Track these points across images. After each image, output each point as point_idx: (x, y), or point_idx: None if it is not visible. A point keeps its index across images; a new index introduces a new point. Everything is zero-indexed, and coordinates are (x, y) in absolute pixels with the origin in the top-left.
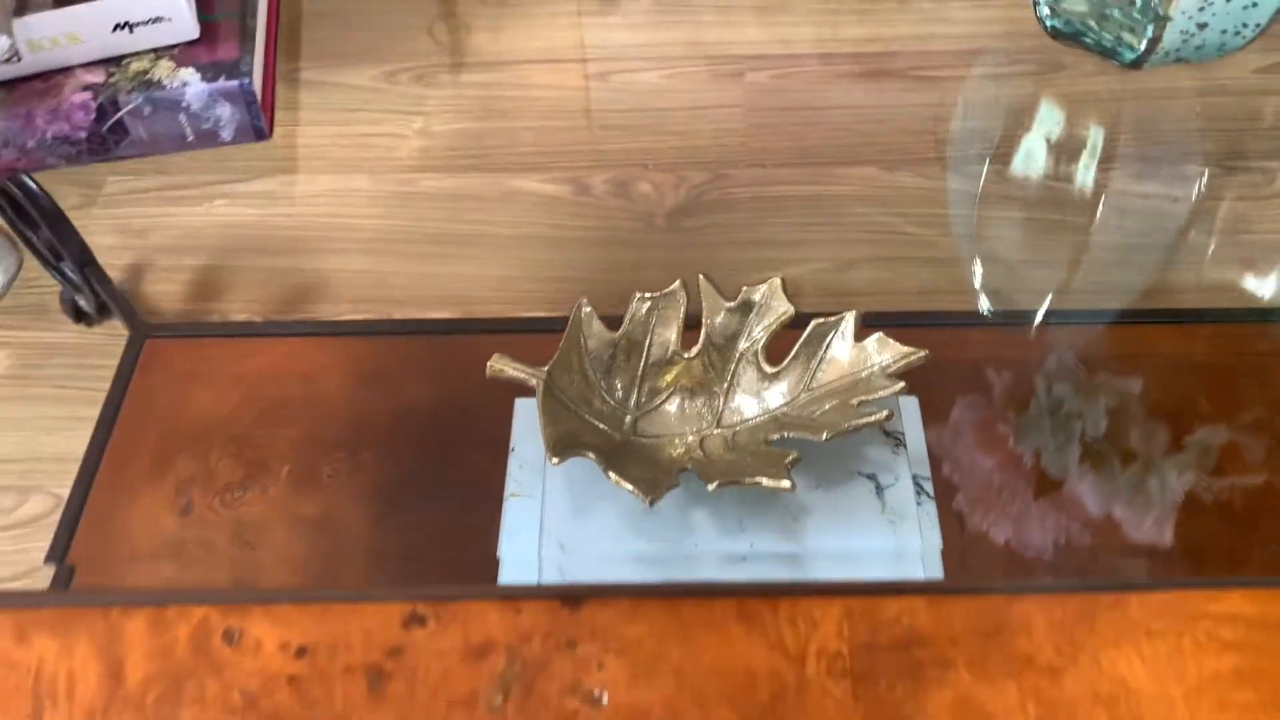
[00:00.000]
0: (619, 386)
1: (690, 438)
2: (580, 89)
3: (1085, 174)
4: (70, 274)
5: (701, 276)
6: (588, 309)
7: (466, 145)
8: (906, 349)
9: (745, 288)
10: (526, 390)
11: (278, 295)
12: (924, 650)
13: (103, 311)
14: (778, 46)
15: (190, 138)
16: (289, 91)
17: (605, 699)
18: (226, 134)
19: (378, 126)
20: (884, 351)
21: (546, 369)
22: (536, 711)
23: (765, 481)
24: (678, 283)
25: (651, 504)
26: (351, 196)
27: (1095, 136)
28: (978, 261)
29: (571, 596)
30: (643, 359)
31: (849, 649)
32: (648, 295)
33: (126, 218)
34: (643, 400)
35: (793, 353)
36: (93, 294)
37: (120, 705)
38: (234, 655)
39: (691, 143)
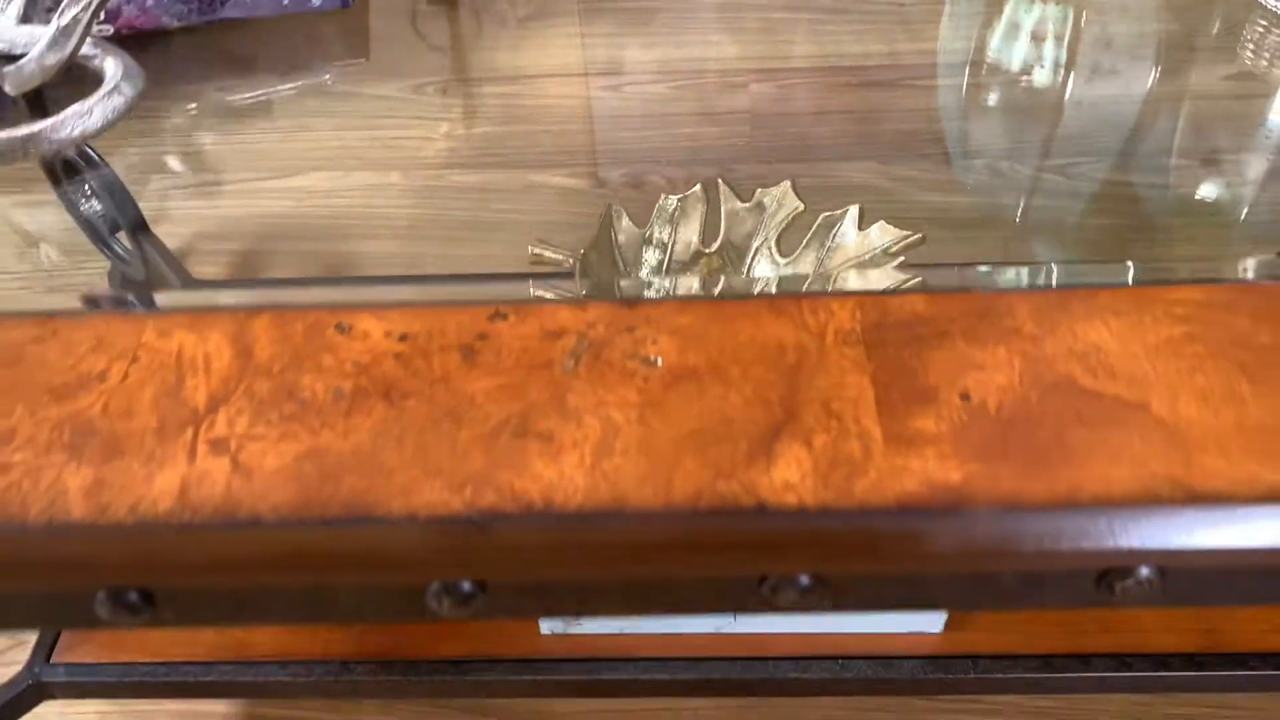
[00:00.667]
0: (645, 279)
1: None
2: (595, 99)
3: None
4: (120, 250)
5: (720, 180)
6: (618, 208)
7: (490, 146)
8: (905, 232)
9: (759, 189)
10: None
11: (316, 273)
12: (925, 327)
13: (152, 285)
14: (781, 62)
15: (286, 1)
16: (321, 101)
17: (660, 361)
18: None
19: (407, 131)
20: (886, 236)
21: (582, 251)
22: (603, 371)
23: None
24: (699, 186)
25: None
26: (383, 190)
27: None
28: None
29: (629, 300)
30: (667, 253)
31: (861, 327)
32: (673, 196)
33: (170, 210)
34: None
35: (803, 243)
36: (144, 264)
37: (251, 373)
38: (345, 341)
39: (701, 143)
